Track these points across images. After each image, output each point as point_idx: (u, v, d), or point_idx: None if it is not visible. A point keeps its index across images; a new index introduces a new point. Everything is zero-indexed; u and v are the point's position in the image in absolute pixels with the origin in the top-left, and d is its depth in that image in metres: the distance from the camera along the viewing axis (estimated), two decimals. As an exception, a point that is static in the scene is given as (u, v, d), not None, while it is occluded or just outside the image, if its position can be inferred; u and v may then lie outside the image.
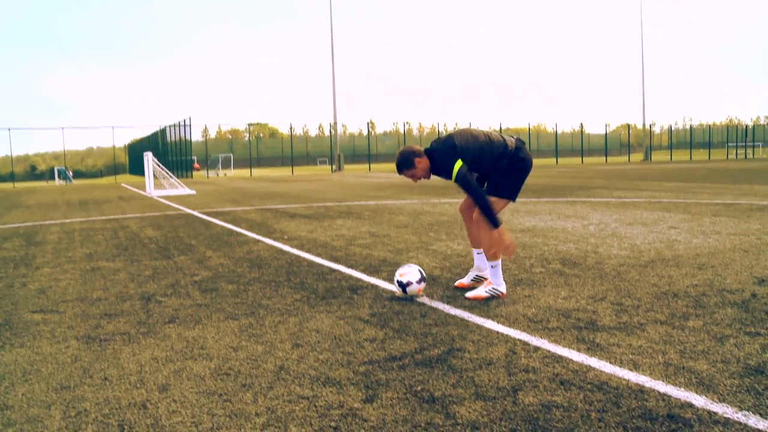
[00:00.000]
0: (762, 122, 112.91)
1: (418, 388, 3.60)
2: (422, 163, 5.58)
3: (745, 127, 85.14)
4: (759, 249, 7.85)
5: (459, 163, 5.42)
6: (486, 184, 5.79)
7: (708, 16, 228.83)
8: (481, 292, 5.63)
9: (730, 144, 75.03)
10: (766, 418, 3.15)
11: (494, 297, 5.60)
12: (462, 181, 5.44)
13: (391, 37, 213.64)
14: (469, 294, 5.68)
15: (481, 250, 5.85)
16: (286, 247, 8.92)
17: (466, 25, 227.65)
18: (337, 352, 4.26)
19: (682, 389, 3.50)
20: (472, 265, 6.50)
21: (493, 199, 5.59)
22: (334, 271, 7.09)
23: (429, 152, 5.60)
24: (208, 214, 14.96)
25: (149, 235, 11.00)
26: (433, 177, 5.72)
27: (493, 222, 5.45)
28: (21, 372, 4.09)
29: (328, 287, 6.27)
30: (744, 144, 74.75)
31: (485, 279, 5.92)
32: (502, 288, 5.64)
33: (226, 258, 8.22)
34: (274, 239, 9.80)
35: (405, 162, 5.60)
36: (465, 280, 6.10)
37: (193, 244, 9.61)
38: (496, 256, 5.58)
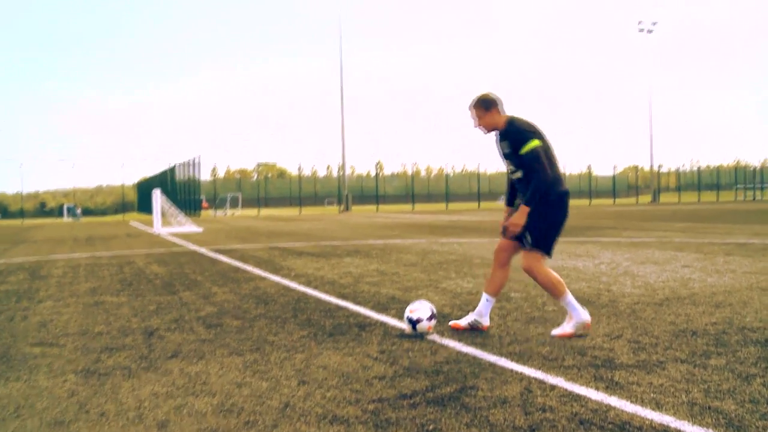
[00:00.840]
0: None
1: (430, 428, 3.42)
2: (496, 116, 5.52)
3: (753, 169, 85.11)
4: (752, 294, 7.65)
5: (538, 142, 5.32)
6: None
7: (715, 58, 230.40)
8: (566, 329, 5.41)
9: (738, 186, 74.83)
10: (799, 462, 2.98)
11: (581, 334, 5.40)
12: (535, 156, 5.29)
13: (402, 79, 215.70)
14: (556, 331, 5.45)
15: (491, 297, 5.71)
16: (293, 284, 8.77)
17: (474, 71, 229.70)
18: (345, 390, 4.09)
19: (711, 430, 3.32)
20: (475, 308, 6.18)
21: (531, 254, 5.47)
22: (342, 308, 6.94)
23: (511, 118, 5.51)
24: (214, 251, 14.85)
25: (155, 271, 10.87)
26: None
27: (530, 201, 5.33)
28: (14, 406, 3.93)
29: (335, 324, 6.10)
30: (753, 186, 74.58)
31: (483, 325, 5.68)
32: (586, 316, 5.41)
33: (232, 294, 8.07)
34: (281, 276, 9.66)
35: (484, 102, 5.52)
36: (461, 322, 5.76)
37: (199, 280, 9.47)
38: (559, 291, 5.43)
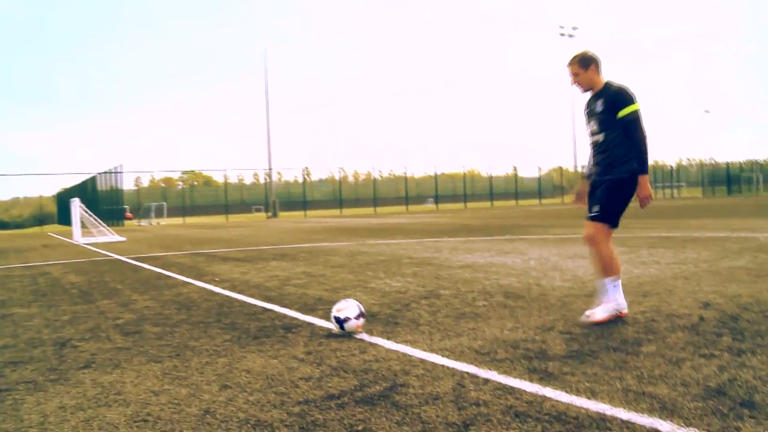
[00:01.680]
0: (684, 163, 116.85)
1: (360, 428, 3.24)
2: (594, 76, 5.53)
3: (670, 168, 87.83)
4: (699, 276, 7.76)
5: (638, 106, 5.33)
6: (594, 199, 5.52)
7: (631, 63, 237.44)
8: (603, 313, 5.40)
9: (657, 184, 77.01)
10: (736, 443, 2.91)
11: (616, 316, 5.41)
12: (636, 118, 5.31)
13: (327, 85, 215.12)
14: (595, 317, 5.40)
15: (613, 278, 5.53)
16: (217, 289, 8.47)
17: (400, 73, 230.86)
18: (270, 393, 3.87)
19: (646, 415, 3.23)
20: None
21: (598, 225, 5.43)
22: (268, 310, 6.69)
23: (609, 81, 5.52)
24: (137, 259, 14.33)
25: (72, 281, 10.39)
26: None
27: (645, 168, 5.33)
28: None
29: (260, 327, 5.86)
30: (670, 184, 76.88)
31: (624, 312, 5.55)
32: (624, 305, 5.46)
33: (153, 301, 7.72)
34: (205, 282, 9.33)
35: (583, 60, 5.52)
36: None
37: (119, 288, 9.07)
38: (613, 270, 5.42)
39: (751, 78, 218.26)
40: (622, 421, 3.18)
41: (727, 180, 70.72)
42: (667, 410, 3.30)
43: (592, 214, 5.47)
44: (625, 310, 5.49)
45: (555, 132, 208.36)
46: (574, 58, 5.56)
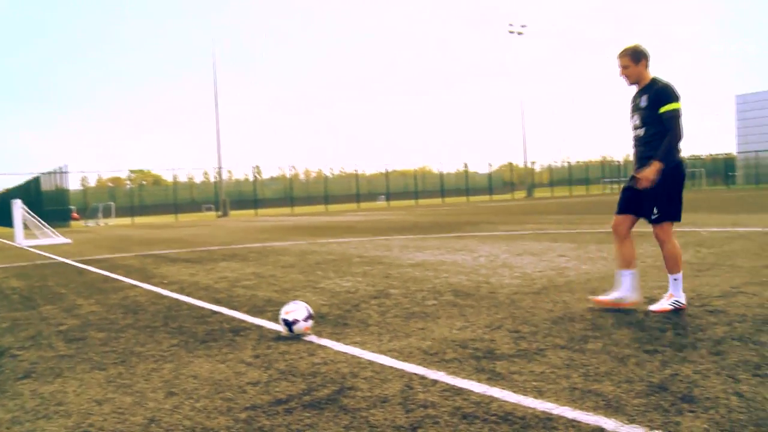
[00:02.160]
0: (631, 159, 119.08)
1: (307, 433, 3.22)
2: (642, 70, 5.68)
3: (617, 163, 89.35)
4: (644, 271, 7.89)
5: (680, 105, 5.48)
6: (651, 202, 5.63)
7: (582, 59, 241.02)
8: (665, 305, 5.61)
9: (605, 179, 78.26)
10: (677, 438, 2.97)
11: (677, 309, 5.57)
12: (676, 116, 5.46)
13: (277, 83, 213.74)
14: (654, 307, 5.63)
15: (627, 271, 5.82)
16: (165, 292, 8.34)
17: (349, 70, 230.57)
18: (216, 399, 3.82)
19: (591, 413, 3.27)
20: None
21: (663, 226, 5.62)
22: (216, 313, 6.61)
23: (655, 78, 5.66)
24: (83, 261, 14.01)
25: (12, 286, 10.12)
26: None
27: (664, 159, 5.44)
28: None
29: (208, 330, 5.79)
30: (618, 179, 78.18)
31: (630, 301, 5.80)
32: (683, 300, 5.65)
33: (99, 305, 7.56)
34: (153, 284, 9.17)
35: (635, 54, 5.65)
36: (607, 297, 5.89)
37: (63, 293, 8.87)
38: (677, 267, 5.62)
39: (693, 76, 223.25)
40: (568, 420, 3.21)
41: (672, 174, 72.14)
42: (612, 408, 3.35)
43: (654, 217, 5.62)
44: (684, 303, 5.70)
45: (505, 128, 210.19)
46: (626, 50, 5.68)
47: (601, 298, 5.92)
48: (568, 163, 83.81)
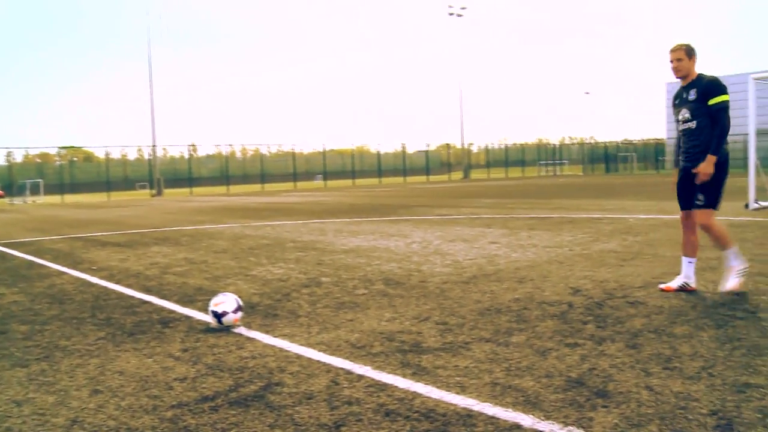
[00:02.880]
0: (567, 142, 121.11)
1: (232, 432, 3.25)
2: (692, 66, 5.99)
3: (552, 146, 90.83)
4: (572, 260, 8.11)
5: (728, 97, 5.80)
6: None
7: (518, 47, 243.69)
8: (734, 282, 5.88)
9: (540, 162, 79.42)
10: (589, 431, 3.09)
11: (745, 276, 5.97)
12: (725, 108, 5.78)
13: (214, 59, 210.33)
14: (728, 287, 5.88)
15: (692, 258, 6.14)
16: (94, 279, 8.20)
17: (288, 49, 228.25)
18: (142, 397, 3.81)
19: (510, 410, 3.38)
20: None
21: (705, 212, 5.92)
22: (146, 302, 6.55)
23: (701, 73, 5.97)
24: (6, 245, 13.56)
25: (-66, 272, 9.80)
26: None
27: (716, 150, 5.77)
28: None
29: (137, 321, 5.73)
30: (553, 162, 79.48)
31: (690, 286, 6.12)
32: (744, 264, 5.98)
33: (23, 294, 7.39)
34: (81, 270, 9.00)
35: (689, 50, 5.98)
36: (672, 284, 6.19)
37: (-14, 280, 8.63)
38: (729, 243, 5.94)
39: (628, 62, 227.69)
40: (488, 416, 3.31)
41: (605, 159, 73.68)
42: (530, 403, 3.46)
43: (699, 203, 5.94)
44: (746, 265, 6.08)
45: (443, 109, 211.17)
46: (681, 45, 6.00)
47: (668, 285, 6.21)
48: (505, 144, 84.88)
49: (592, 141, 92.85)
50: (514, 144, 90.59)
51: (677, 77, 6.09)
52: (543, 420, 3.24)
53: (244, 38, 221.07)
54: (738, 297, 5.77)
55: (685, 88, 6.04)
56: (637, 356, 4.20)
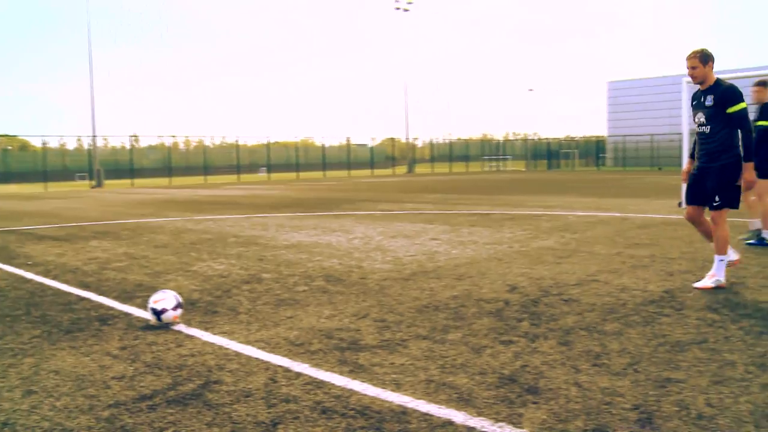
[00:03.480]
0: (511, 138, 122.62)
1: (170, 431, 3.27)
2: (709, 72, 6.18)
3: (497, 142, 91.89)
4: (510, 257, 8.28)
5: (746, 104, 6.06)
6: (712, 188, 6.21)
7: (465, 42, 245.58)
8: (707, 282, 6.19)
9: (485, 157, 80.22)
10: (518, 427, 3.21)
11: (718, 287, 6.13)
12: (745, 115, 6.05)
13: (157, 49, 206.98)
14: (697, 284, 6.23)
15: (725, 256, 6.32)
16: (29, 275, 8.05)
17: (232, 40, 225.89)
18: (78, 396, 3.79)
19: (443, 406, 3.48)
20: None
21: (720, 212, 6.17)
22: (84, 299, 6.48)
23: (719, 79, 6.20)
24: (-60, 238, 13.23)
25: None
26: None
27: (751, 156, 6.10)
28: None
29: (74, 319, 5.67)
30: (497, 157, 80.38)
31: (736, 261, 6.52)
32: (724, 280, 6.21)
33: (-45, 289, 7.23)
34: (16, 266, 8.82)
35: (704, 56, 6.16)
36: (733, 258, 6.48)
37: None
38: (724, 250, 6.17)
39: (571, 60, 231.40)
40: (421, 413, 3.40)
41: (548, 155, 74.79)
42: (464, 400, 3.57)
43: (716, 205, 6.19)
44: (725, 282, 6.26)
45: (388, 103, 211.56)
46: (696, 53, 6.20)
47: (701, 283, 6.32)
48: (450, 139, 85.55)
49: (536, 137, 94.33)
50: (459, 139, 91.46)
51: (695, 83, 6.36)
52: (475, 416, 3.35)
53: (187, 28, 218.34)
54: (666, 294, 5.99)
55: (704, 93, 6.29)
56: (568, 353, 4.35)
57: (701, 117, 6.28)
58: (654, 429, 3.15)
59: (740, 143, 6.14)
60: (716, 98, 6.13)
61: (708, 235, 6.53)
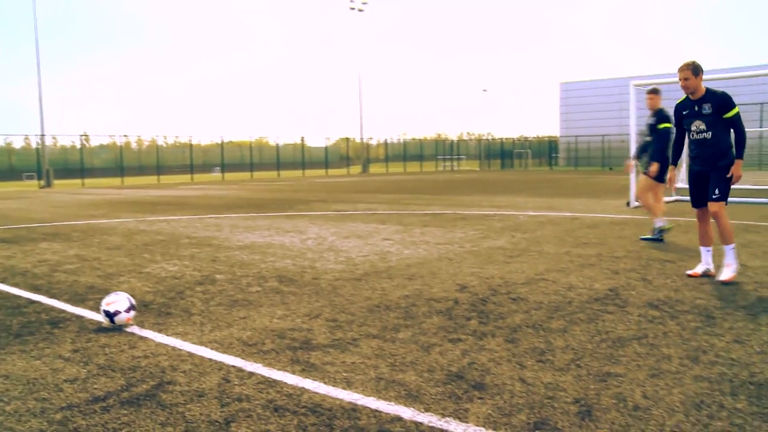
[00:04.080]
0: (465, 138, 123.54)
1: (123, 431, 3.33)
2: (699, 82, 6.62)
3: (451, 142, 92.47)
4: (462, 257, 8.43)
5: (738, 108, 6.50)
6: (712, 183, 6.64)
7: (418, 43, 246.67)
8: (730, 273, 6.57)
9: (438, 157, 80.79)
10: (464, 422, 3.33)
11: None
12: (740, 119, 6.50)
13: (109, 47, 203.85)
14: (723, 277, 6.57)
15: (710, 248, 6.88)
16: (-23, 277, 7.96)
17: (185, 39, 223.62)
18: (30, 400, 3.81)
19: (392, 403, 3.59)
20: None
21: (720, 204, 6.60)
22: (34, 302, 6.44)
23: (709, 88, 6.64)
24: None
25: None
26: None
27: (742, 154, 6.51)
28: None
29: (24, 322, 5.64)
30: (451, 157, 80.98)
31: (713, 273, 6.85)
32: (737, 265, 6.71)
33: None
34: (-36, 268, 8.70)
35: (695, 68, 6.60)
36: (698, 270, 6.94)
37: None
38: (731, 239, 6.62)
39: (525, 61, 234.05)
40: (371, 410, 3.51)
41: (502, 155, 75.61)
42: (412, 397, 3.68)
43: (716, 197, 6.62)
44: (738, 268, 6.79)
45: (343, 103, 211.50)
46: (687, 65, 6.64)
47: (694, 271, 6.95)
48: (404, 139, 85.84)
49: (490, 137, 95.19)
50: (413, 138, 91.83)
51: (687, 93, 6.71)
52: (423, 412, 3.46)
53: (141, 27, 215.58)
54: (611, 292, 6.19)
55: (696, 102, 6.68)
56: (514, 350, 4.49)
57: (700, 125, 6.67)
58: (593, 421, 3.30)
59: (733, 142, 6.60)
60: (714, 106, 6.55)
61: (704, 237, 6.93)
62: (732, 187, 6.71)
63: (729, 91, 6.75)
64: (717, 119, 6.56)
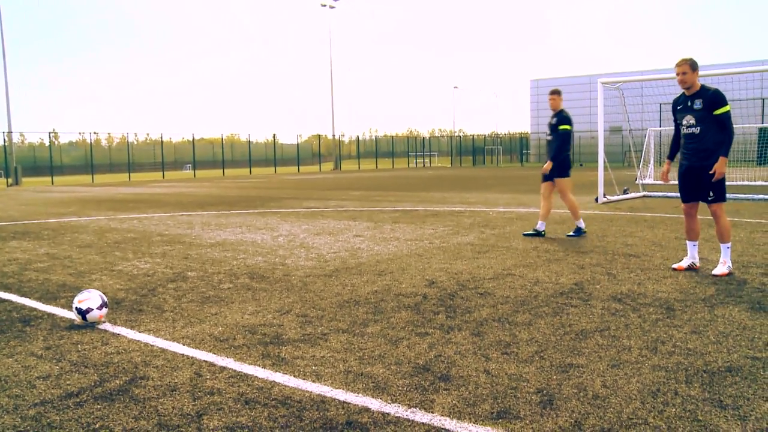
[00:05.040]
0: (437, 134, 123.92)
1: (97, 426, 3.40)
2: (695, 78, 6.80)
3: (422, 138, 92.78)
4: (431, 253, 8.56)
5: (729, 107, 6.64)
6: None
7: (390, 40, 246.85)
8: (723, 269, 6.79)
9: (410, 153, 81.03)
10: (430, 412, 3.44)
11: (730, 273, 6.80)
12: (729, 117, 6.64)
13: (78, 44, 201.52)
14: (716, 271, 6.79)
15: (696, 242, 7.11)
16: (-53, 276, 7.93)
17: (156, 35, 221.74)
18: (2, 397, 3.86)
19: (360, 395, 3.70)
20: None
21: (719, 204, 6.82)
22: (4, 301, 6.45)
23: (704, 85, 6.79)
24: None
25: None
26: None
27: (726, 152, 6.66)
28: None
29: (-4, 319, 5.68)
30: (422, 153, 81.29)
31: (697, 266, 7.10)
32: (730, 263, 6.91)
33: None
34: (-67, 267, 8.66)
35: (693, 64, 6.80)
36: (683, 264, 7.12)
37: None
38: (728, 238, 6.83)
39: (496, 58, 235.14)
40: (340, 401, 3.62)
41: (473, 151, 75.99)
42: (380, 388, 3.79)
43: (711, 199, 6.82)
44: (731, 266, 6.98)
45: (315, 100, 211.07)
46: (685, 60, 6.83)
47: (679, 264, 7.15)
48: (375, 136, 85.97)
49: (461, 134, 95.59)
50: (385, 135, 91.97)
51: (683, 88, 6.88)
52: (390, 403, 3.57)
53: (112, 24, 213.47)
54: (576, 286, 6.35)
55: (690, 98, 6.86)
56: (480, 343, 4.62)
57: (690, 119, 6.85)
58: (554, 410, 3.43)
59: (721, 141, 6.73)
60: (705, 102, 6.73)
61: (690, 231, 7.13)
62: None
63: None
64: (707, 115, 6.72)
